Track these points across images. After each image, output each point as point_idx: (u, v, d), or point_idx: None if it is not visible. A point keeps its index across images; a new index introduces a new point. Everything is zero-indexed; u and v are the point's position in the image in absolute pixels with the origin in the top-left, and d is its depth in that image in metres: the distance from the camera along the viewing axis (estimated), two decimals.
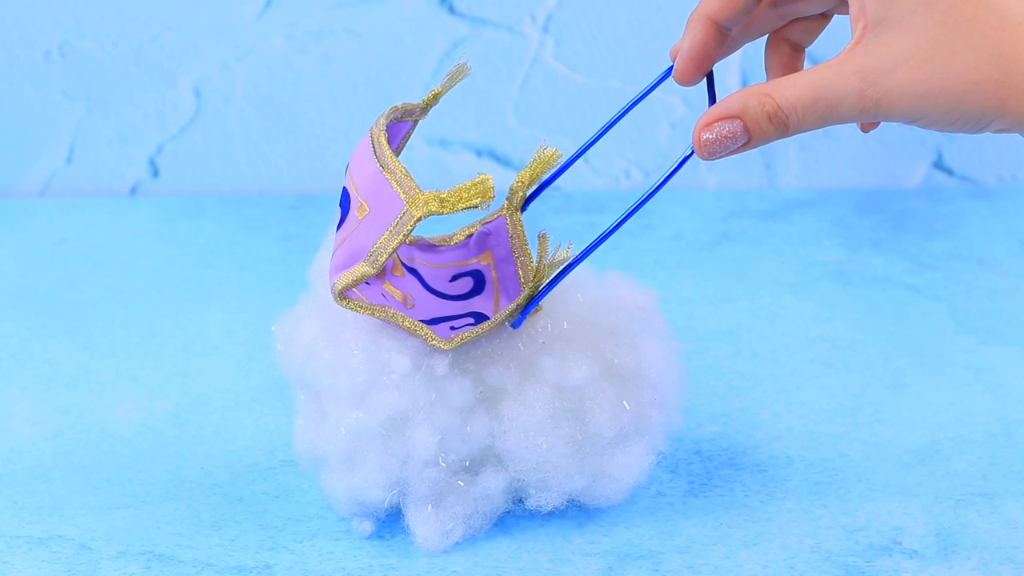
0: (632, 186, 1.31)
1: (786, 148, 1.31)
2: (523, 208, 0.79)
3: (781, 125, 0.65)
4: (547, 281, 0.76)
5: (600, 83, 1.28)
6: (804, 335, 1.03)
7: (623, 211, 0.73)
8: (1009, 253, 1.17)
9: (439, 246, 0.81)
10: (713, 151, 0.66)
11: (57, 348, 1.02)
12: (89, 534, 0.80)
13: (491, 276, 0.79)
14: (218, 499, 0.84)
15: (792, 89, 0.65)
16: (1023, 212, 1.24)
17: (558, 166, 0.78)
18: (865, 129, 0.74)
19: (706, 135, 0.66)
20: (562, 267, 0.76)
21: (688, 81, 0.74)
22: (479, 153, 1.31)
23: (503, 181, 1.26)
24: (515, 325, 0.77)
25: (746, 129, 0.65)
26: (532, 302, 0.76)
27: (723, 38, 0.73)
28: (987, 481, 0.85)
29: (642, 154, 1.31)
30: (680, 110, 1.28)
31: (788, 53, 0.75)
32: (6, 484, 0.85)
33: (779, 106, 0.65)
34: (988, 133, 0.65)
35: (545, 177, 0.78)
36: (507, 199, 0.80)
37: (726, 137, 0.65)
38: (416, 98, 0.79)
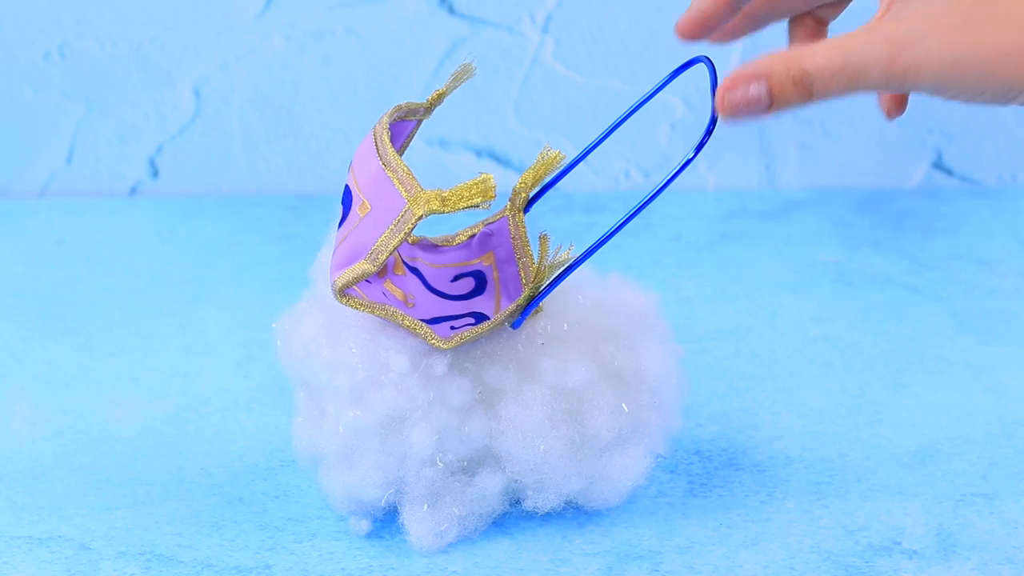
0: (632, 186, 1.31)
1: (785, 147, 1.31)
2: (526, 209, 0.79)
3: (806, 90, 0.65)
4: (547, 282, 0.75)
5: (600, 83, 1.28)
6: (804, 335, 1.03)
7: (624, 213, 0.73)
8: (1009, 253, 1.16)
9: (442, 246, 0.80)
10: (736, 111, 0.65)
11: (57, 348, 1.01)
12: (89, 534, 0.80)
13: (492, 277, 0.79)
14: (218, 499, 0.83)
15: (820, 54, 0.65)
16: (1023, 212, 1.24)
17: (562, 168, 0.78)
18: (891, 114, 0.73)
19: (730, 96, 0.65)
20: (563, 268, 0.75)
21: (687, 34, 0.74)
22: (479, 153, 1.31)
23: (503, 182, 1.26)
24: (515, 326, 0.77)
25: (770, 92, 0.65)
26: (532, 303, 0.76)
27: (734, 3, 0.73)
28: (987, 481, 0.85)
29: (642, 154, 1.31)
30: (680, 110, 1.28)
31: (812, 27, 0.75)
32: (6, 484, 0.85)
33: (805, 70, 0.64)
34: (1011, 109, 0.65)
35: (549, 179, 0.78)
36: (510, 200, 0.80)
37: (750, 100, 0.65)
38: (416, 98, 0.79)
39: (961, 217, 1.23)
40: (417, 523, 0.77)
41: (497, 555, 0.78)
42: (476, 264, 0.80)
